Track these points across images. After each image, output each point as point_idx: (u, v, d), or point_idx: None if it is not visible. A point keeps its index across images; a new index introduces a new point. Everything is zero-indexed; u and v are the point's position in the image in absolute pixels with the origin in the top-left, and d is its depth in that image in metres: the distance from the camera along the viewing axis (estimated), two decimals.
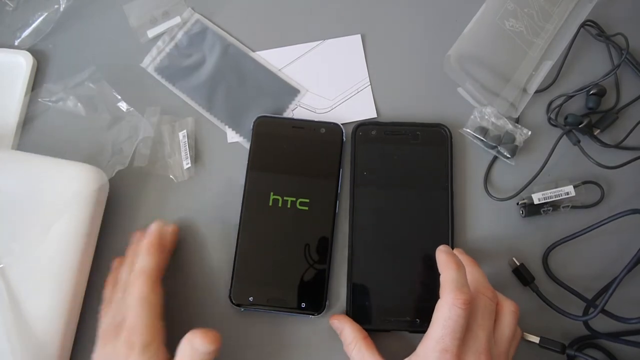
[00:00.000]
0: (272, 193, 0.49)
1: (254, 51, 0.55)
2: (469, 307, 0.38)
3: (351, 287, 0.48)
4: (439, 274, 0.41)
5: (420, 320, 0.46)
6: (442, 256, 0.41)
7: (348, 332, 0.45)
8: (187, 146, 0.51)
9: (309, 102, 0.54)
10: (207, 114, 0.53)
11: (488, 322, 0.40)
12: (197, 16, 0.56)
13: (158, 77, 0.55)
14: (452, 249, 0.48)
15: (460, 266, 0.40)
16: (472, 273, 0.42)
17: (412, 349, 0.40)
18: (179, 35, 0.56)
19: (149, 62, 0.55)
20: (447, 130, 0.51)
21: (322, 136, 0.51)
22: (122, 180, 0.50)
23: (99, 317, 0.44)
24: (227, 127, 0.53)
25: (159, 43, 0.55)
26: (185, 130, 0.52)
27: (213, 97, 0.54)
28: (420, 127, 0.51)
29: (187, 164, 0.51)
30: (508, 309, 0.42)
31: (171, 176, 0.51)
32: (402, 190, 0.50)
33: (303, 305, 0.47)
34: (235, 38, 0.56)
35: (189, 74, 0.55)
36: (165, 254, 0.46)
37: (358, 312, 0.47)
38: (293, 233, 0.48)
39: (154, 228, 0.45)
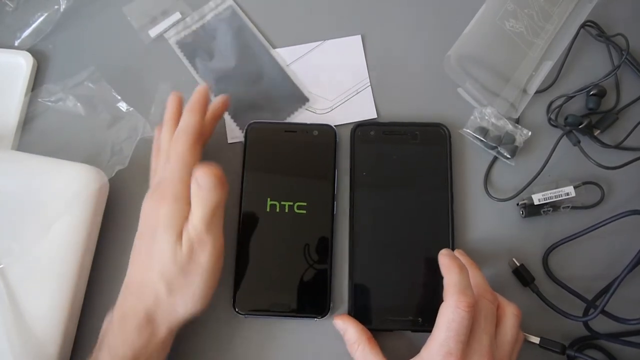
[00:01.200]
0: (268, 198, 0.49)
1: (274, 48, 0.55)
2: (473, 310, 0.38)
3: (353, 288, 0.48)
4: (441, 275, 0.41)
5: (423, 319, 0.46)
6: (445, 259, 0.41)
7: (352, 332, 0.45)
8: None
9: (309, 102, 0.54)
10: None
11: (490, 325, 0.40)
12: (230, 2, 0.56)
13: (178, 51, 0.55)
14: (453, 248, 0.48)
15: (463, 269, 0.40)
16: (474, 276, 0.42)
17: (414, 348, 0.40)
18: (209, 16, 0.56)
19: (173, 34, 0.55)
20: (445, 130, 0.51)
21: (315, 138, 0.51)
22: (122, 180, 0.50)
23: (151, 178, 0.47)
24: (232, 121, 0.53)
25: (187, 19, 0.56)
26: None
27: (227, 87, 0.54)
28: (419, 127, 0.51)
29: None
30: (510, 313, 0.41)
31: None
32: (402, 190, 0.50)
33: (307, 308, 0.47)
34: (261, 32, 0.56)
35: (209, 57, 0.55)
36: (210, 119, 0.48)
37: (360, 313, 0.47)
38: (292, 237, 0.48)
39: (198, 89, 0.46)
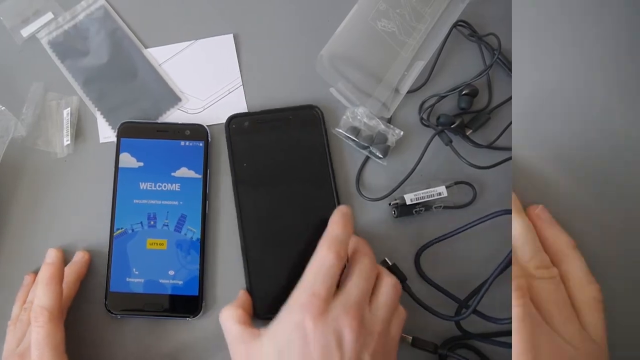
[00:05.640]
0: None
1: (146, 48, 0.55)
2: (342, 260, 0.39)
3: (249, 283, 0.47)
4: None
5: None
6: (336, 215, 0.42)
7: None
8: (69, 124, 0.51)
9: (181, 102, 0.53)
10: (88, 101, 0.53)
11: (363, 283, 0.40)
12: (102, 1, 0.55)
13: (49, 51, 0.54)
14: None
15: (347, 227, 0.41)
16: (358, 240, 0.43)
17: None
18: (81, 16, 0.55)
19: (45, 34, 0.54)
20: (318, 111, 0.51)
21: (187, 138, 0.50)
22: None
23: (7, 332, 0.44)
24: (105, 121, 0.52)
25: (59, 19, 0.55)
26: (69, 108, 0.52)
27: (99, 86, 0.53)
28: (292, 111, 0.51)
29: (67, 140, 0.51)
30: (387, 281, 0.42)
31: (51, 151, 0.51)
32: (285, 179, 0.49)
33: (177, 308, 0.46)
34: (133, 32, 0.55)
35: (81, 57, 0.54)
36: (74, 280, 0.46)
37: (259, 306, 0.46)
38: None
39: (51, 261, 0.43)
